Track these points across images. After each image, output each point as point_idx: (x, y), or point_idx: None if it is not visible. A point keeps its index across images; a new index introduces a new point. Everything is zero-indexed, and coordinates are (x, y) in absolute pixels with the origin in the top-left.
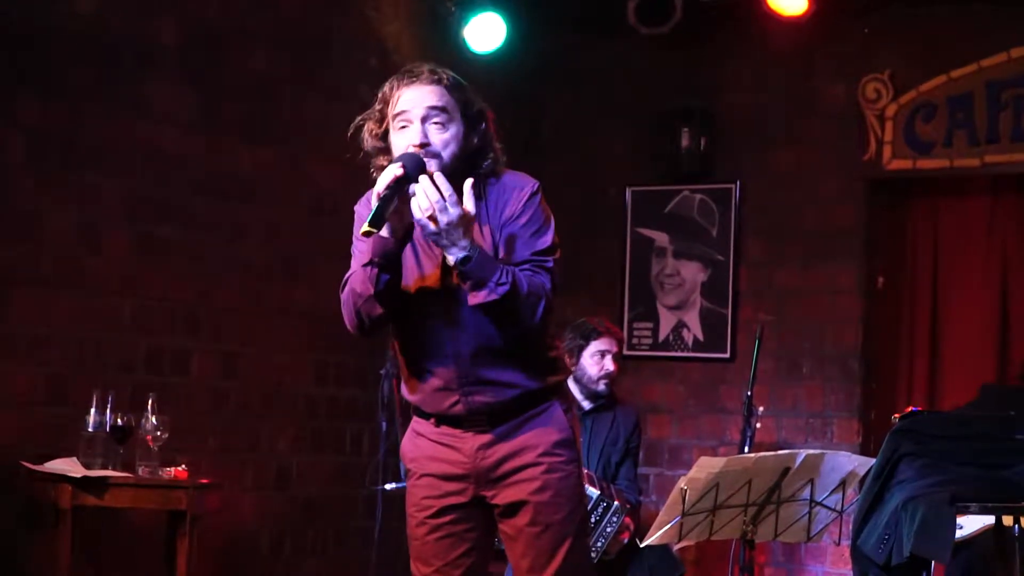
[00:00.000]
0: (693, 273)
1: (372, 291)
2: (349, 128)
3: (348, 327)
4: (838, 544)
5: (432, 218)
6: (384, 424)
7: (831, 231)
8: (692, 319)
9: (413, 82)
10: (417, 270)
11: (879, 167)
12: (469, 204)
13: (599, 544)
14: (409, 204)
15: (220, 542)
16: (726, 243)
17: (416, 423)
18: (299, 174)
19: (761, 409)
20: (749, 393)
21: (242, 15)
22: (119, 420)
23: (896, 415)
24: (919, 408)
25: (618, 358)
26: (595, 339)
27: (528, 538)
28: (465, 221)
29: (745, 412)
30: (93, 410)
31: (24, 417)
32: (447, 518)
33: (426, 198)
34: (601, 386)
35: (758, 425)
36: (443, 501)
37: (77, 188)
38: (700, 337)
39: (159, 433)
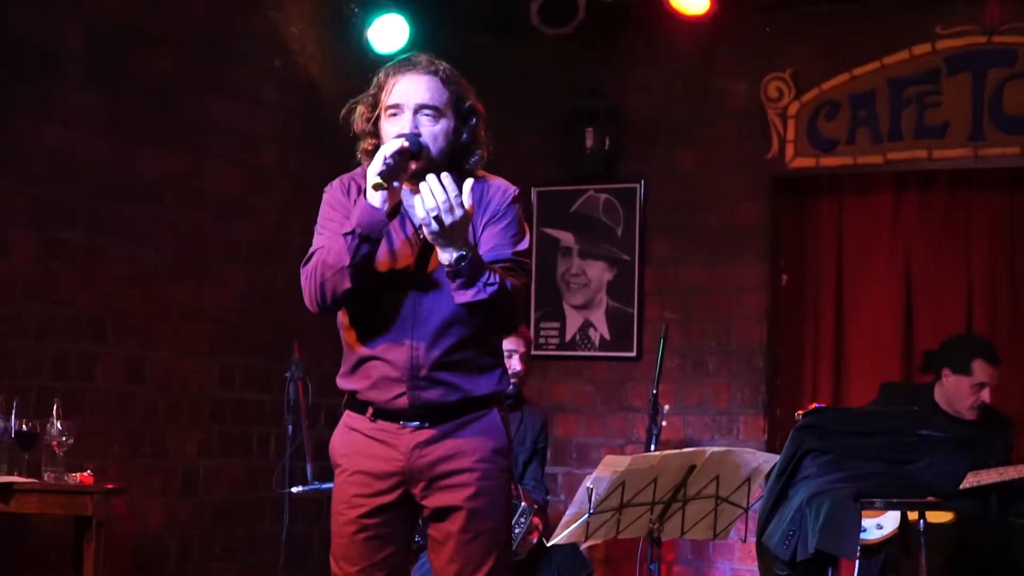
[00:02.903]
0: (599, 272)
1: (348, 261)
2: (245, 127)
3: (308, 303)
4: (744, 541)
5: (437, 218)
6: (291, 427)
7: (735, 229)
8: (598, 318)
9: (409, 71)
10: (389, 255)
11: (782, 165)
12: (468, 203)
13: None
14: (402, 180)
15: (127, 548)
16: (631, 242)
17: (349, 417)
18: (204, 176)
19: (667, 407)
20: (655, 391)
21: (146, 17)
22: (24, 426)
23: (800, 411)
24: (822, 404)
25: (526, 358)
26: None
27: (458, 544)
28: (466, 220)
29: (651, 410)
30: None
31: None
32: (378, 519)
33: (433, 197)
34: (509, 386)
35: (664, 423)
36: (375, 500)
37: None
38: (607, 336)
39: (65, 438)
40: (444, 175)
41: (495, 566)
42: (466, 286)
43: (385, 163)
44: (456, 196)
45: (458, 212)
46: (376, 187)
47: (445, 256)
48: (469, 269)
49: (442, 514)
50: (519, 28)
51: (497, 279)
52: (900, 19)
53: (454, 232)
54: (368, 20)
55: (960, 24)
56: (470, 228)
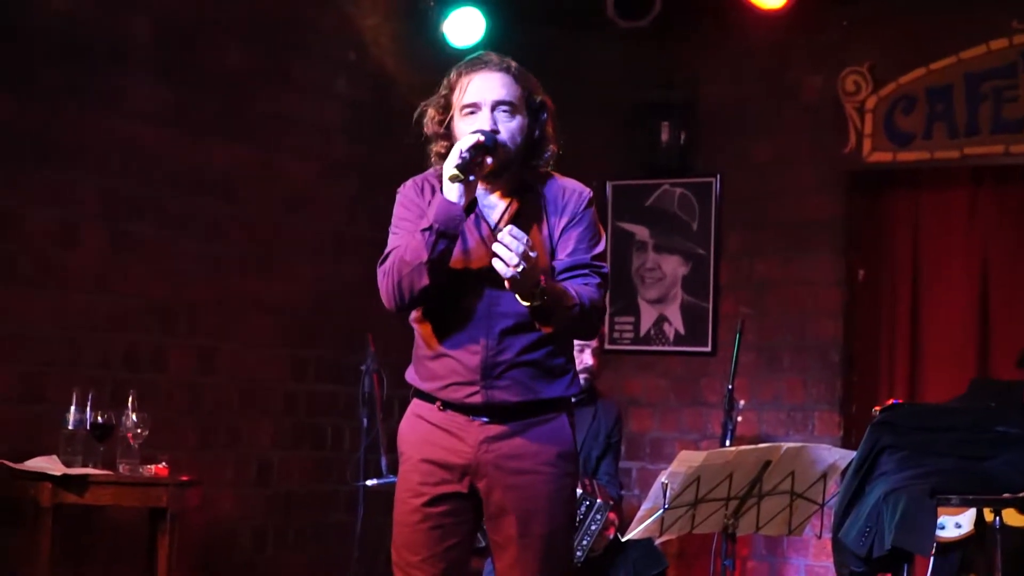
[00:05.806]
0: (674, 267)
1: (425, 257)
2: (312, 125)
3: (385, 302)
4: (820, 537)
5: (524, 270)
6: (365, 420)
7: (811, 223)
8: (673, 313)
9: (482, 69)
10: (464, 254)
11: (859, 159)
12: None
13: (584, 542)
14: (478, 175)
15: (201, 539)
16: (706, 237)
17: (417, 405)
18: (274, 169)
19: (742, 402)
20: (730, 386)
21: (217, 10)
22: (99, 418)
23: (877, 407)
24: (900, 400)
25: (597, 352)
26: None
27: (519, 549)
28: (537, 261)
29: (726, 405)
30: (73, 408)
31: (2, 415)
32: (441, 508)
33: (510, 250)
34: (580, 380)
35: (739, 418)
36: (438, 489)
37: (53, 185)
38: (681, 331)
39: (139, 430)
40: (510, 227)
41: (556, 570)
42: (549, 321)
43: (461, 156)
44: (527, 240)
45: (533, 255)
46: (452, 179)
47: (527, 301)
48: (552, 303)
49: (503, 515)
50: (594, 21)
51: (578, 300)
52: (977, 13)
53: (534, 275)
54: (444, 13)
55: None
56: (548, 228)
